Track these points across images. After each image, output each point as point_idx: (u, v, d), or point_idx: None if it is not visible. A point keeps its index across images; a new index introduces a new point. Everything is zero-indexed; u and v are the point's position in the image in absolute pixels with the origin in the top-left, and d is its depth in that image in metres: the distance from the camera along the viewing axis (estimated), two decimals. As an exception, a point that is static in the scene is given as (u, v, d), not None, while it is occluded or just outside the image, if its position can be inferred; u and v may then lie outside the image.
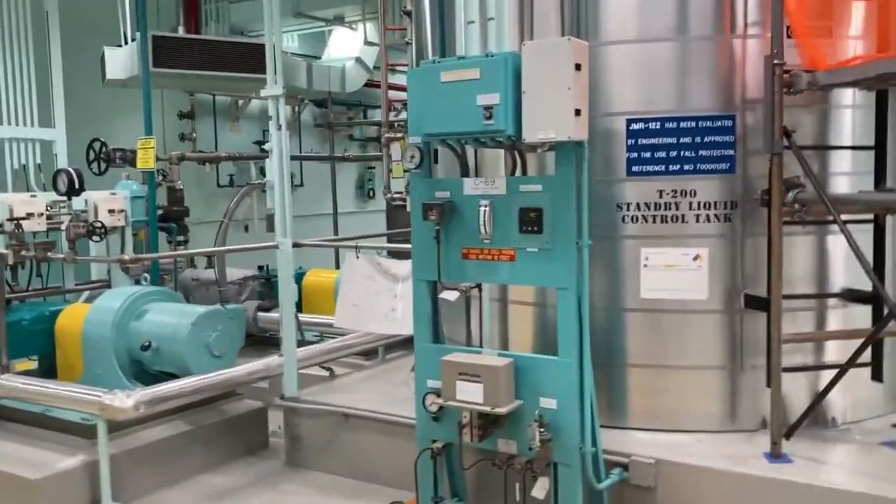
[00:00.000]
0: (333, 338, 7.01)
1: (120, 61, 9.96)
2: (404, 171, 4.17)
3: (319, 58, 14.00)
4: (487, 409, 3.88)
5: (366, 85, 13.70)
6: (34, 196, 6.85)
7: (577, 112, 3.61)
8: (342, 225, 12.41)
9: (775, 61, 3.92)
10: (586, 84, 3.70)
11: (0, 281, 5.42)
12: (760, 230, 4.36)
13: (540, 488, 3.95)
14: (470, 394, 3.93)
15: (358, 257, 5.30)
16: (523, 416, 3.95)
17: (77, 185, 4.84)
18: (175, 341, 5.29)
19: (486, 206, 4.00)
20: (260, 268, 8.65)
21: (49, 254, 5.15)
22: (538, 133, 3.67)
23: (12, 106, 7.59)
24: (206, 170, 10.57)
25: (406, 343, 6.82)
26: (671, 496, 4.12)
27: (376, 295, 5.25)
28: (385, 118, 10.81)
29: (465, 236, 4.11)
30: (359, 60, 13.11)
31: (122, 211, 7.29)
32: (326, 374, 6.11)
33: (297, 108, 13.76)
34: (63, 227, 4.93)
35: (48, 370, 6.06)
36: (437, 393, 4.18)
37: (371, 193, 15.85)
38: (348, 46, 13.55)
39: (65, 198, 4.83)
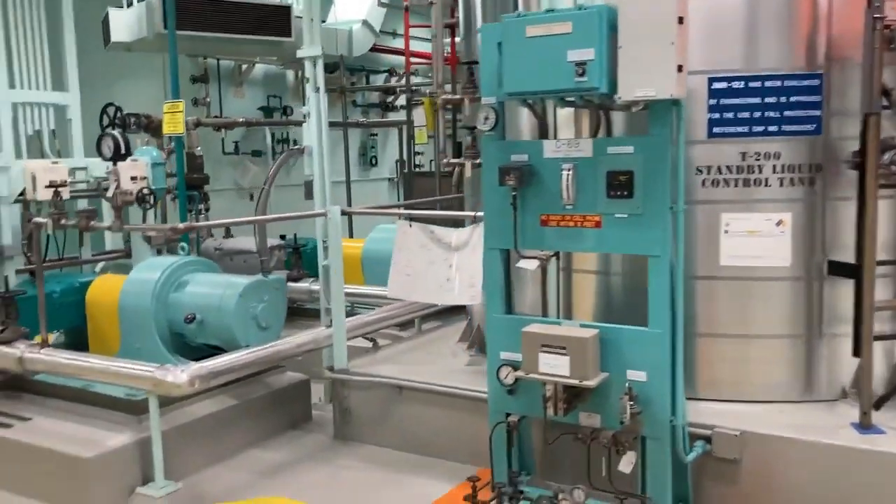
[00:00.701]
0: (365, 308, 6.83)
1: (125, 22, 9.59)
2: (482, 132, 3.95)
3: (324, 20, 13.62)
4: (575, 382, 3.72)
5: (370, 49, 13.37)
6: (56, 163, 6.57)
7: (679, 68, 3.41)
8: (343, 194, 12.18)
9: (875, 15, 3.73)
10: (687, 39, 3.49)
11: (37, 251, 5.17)
12: (841, 194, 4.21)
13: (627, 462, 3.81)
14: (555, 366, 3.77)
15: (411, 225, 5.09)
16: (608, 389, 3.80)
17: (123, 150, 4.58)
18: (222, 313, 5.07)
19: (569, 170, 3.81)
20: (282, 237, 8.40)
21: (92, 222, 4.88)
22: (636, 90, 3.47)
23: (24, 69, 7.23)
24: (222, 134, 10.25)
25: (442, 313, 6.67)
26: (756, 469, 3.99)
27: (430, 264, 5.06)
28: (407, 82, 10.58)
29: (545, 202, 3.92)
30: (366, 23, 12.75)
31: (145, 178, 6.99)
32: (370, 345, 5.93)
33: (299, 73, 13.40)
34: (109, 193, 4.67)
35: (76, 343, 5.83)
36: (513, 365, 4.03)
37: (374, 161, 15.55)
38: (354, 8, 13.17)
39: (108, 163, 4.53)
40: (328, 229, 5.24)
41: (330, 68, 13.71)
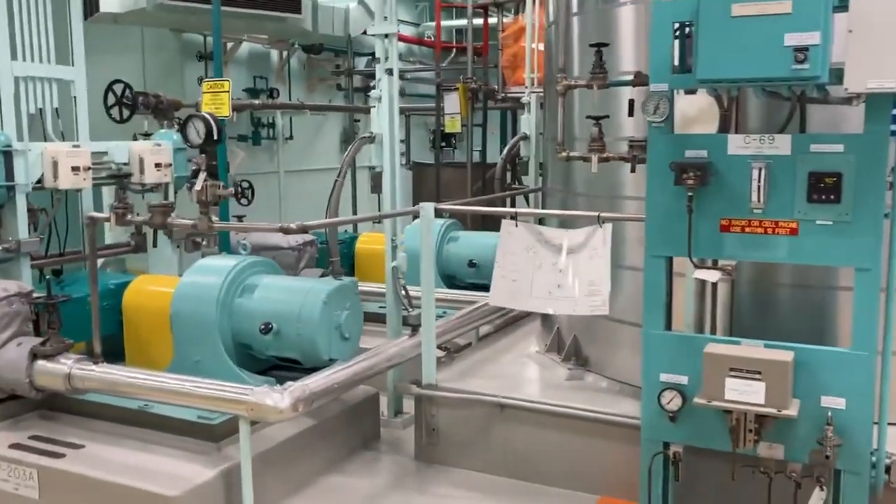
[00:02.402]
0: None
1: (115, -9, 8.75)
2: (650, 124, 3.46)
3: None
4: (771, 411, 3.28)
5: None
6: (77, 146, 5.80)
7: (923, 58, 2.98)
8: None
9: None
10: (928, 24, 3.05)
11: (93, 249, 4.45)
12: None
13: (818, 499, 3.39)
14: (745, 393, 3.31)
15: (516, 224, 4.56)
16: (797, 418, 3.37)
17: (216, 136, 3.90)
18: (303, 322, 4.45)
19: (760, 169, 3.35)
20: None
21: (169, 219, 4.17)
22: (868, 82, 3.02)
23: (26, 38, 6.38)
24: (233, 120, 9.42)
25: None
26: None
27: (537, 269, 4.54)
28: (437, 66, 9.95)
29: (726, 205, 3.45)
30: (362, 2, 12.05)
31: (170, 165, 6.30)
32: (442, 354, 5.39)
33: (285, 54, 12.63)
34: (196, 186, 3.97)
35: (107, 355, 5.10)
36: (678, 389, 3.57)
37: (356, 148, 14.85)
38: (347, -15, 12.45)
39: (192, 147, 3.83)
40: (420, 226, 4.66)
41: (316, 50, 13.10)
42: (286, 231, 3.84)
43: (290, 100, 12.70)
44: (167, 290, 4.88)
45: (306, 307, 4.47)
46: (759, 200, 3.37)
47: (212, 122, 3.94)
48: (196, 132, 3.97)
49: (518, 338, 5.94)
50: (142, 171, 6.02)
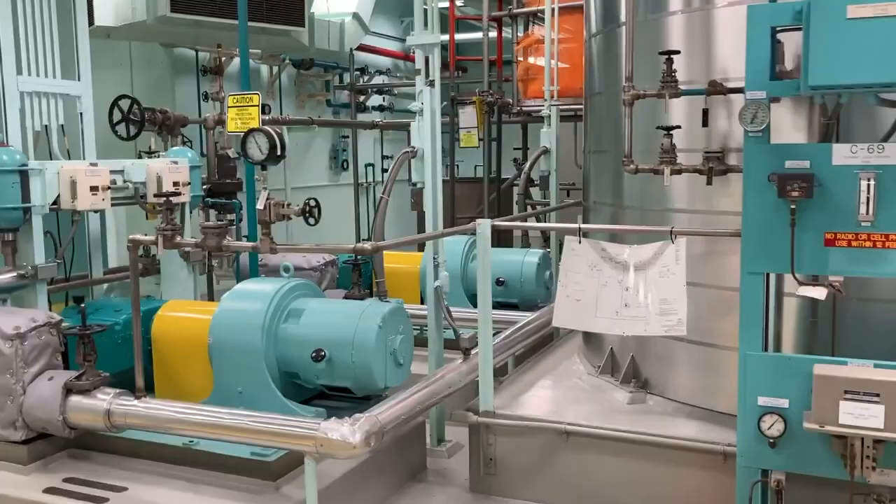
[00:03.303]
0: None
1: (111, 4, 8.43)
2: (747, 133, 3.28)
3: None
4: (893, 436, 3.09)
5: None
6: (95, 164, 5.47)
7: None
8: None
9: None
10: None
11: (134, 277, 4.13)
12: None
13: (935, 527, 3.21)
14: (862, 417, 3.12)
15: (580, 241, 4.34)
16: (910, 441, 3.19)
17: (279, 151, 3.61)
18: (358, 349, 4.17)
19: (870, 180, 3.18)
20: (317, 250, 7.45)
21: (225, 241, 3.86)
22: None
23: (31, 52, 6.04)
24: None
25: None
26: None
27: (602, 287, 4.32)
28: (452, 79, 9.73)
29: (831, 217, 3.27)
30: (356, 16, 11.83)
31: (188, 184, 5.99)
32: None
33: (275, 69, 12.35)
34: (259, 205, 3.68)
35: (132, 387, 4.77)
36: (779, 413, 3.37)
37: (345, 165, 14.59)
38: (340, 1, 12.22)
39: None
40: (478, 243, 4.42)
41: (307, 65, 12.84)
42: (360, 252, 3.58)
43: (280, 115, 12.43)
44: (203, 317, 4.57)
45: (360, 332, 4.20)
46: (867, 213, 3.20)
47: (275, 136, 3.68)
48: (258, 147, 3.69)
49: (559, 358, 5.71)
50: (160, 189, 5.70)
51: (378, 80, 14.99)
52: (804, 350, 4.09)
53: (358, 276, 6.60)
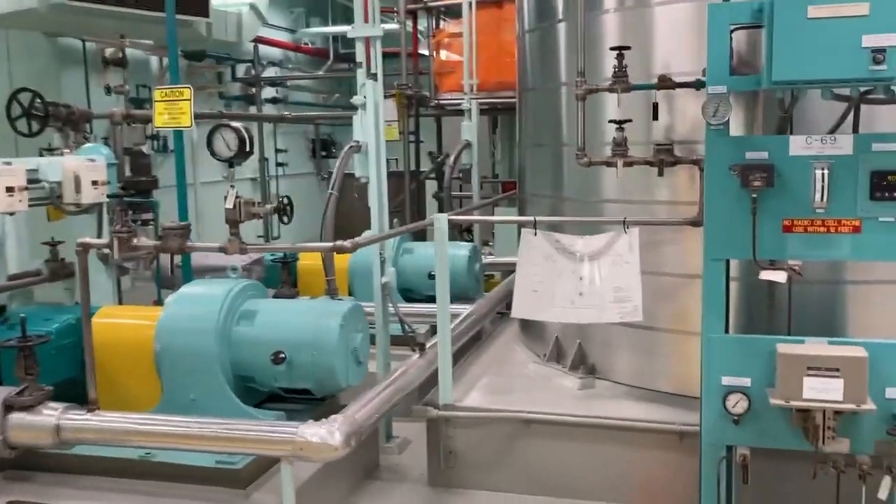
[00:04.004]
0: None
1: (-4, -11, 7.85)
2: (709, 126, 3.42)
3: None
4: (851, 406, 3.32)
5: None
6: (9, 164, 5.08)
7: None
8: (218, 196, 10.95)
9: None
10: None
11: (85, 280, 3.85)
12: None
13: (887, 485, 3.48)
14: (823, 391, 3.34)
15: (535, 233, 4.41)
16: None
17: (248, 147, 3.43)
18: (319, 349, 4.08)
19: (823, 169, 3.40)
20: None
21: (189, 243, 3.63)
22: (941, 82, 3.13)
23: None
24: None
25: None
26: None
27: (558, 278, 4.42)
28: (415, 70, 9.47)
29: (788, 205, 3.47)
30: (253, 7, 11.47)
31: (107, 183, 5.67)
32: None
33: (165, 60, 11.82)
34: (228, 203, 3.47)
35: (67, 398, 4.48)
36: (743, 392, 3.57)
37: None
38: (233, -11, 11.82)
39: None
40: (436, 238, 4.41)
41: (199, 56, 12.38)
42: (340, 250, 3.49)
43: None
44: (146, 323, 4.35)
45: (321, 331, 4.11)
46: (822, 200, 3.41)
47: (244, 132, 3.53)
48: (225, 144, 3.53)
49: (499, 348, 5.80)
50: (78, 191, 5.37)
51: (271, 71, 14.65)
52: (746, 331, 4.33)
53: (287, 274, 6.46)
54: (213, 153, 3.63)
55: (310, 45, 16.46)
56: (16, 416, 3.73)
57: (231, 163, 3.58)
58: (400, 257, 6.83)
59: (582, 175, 4.97)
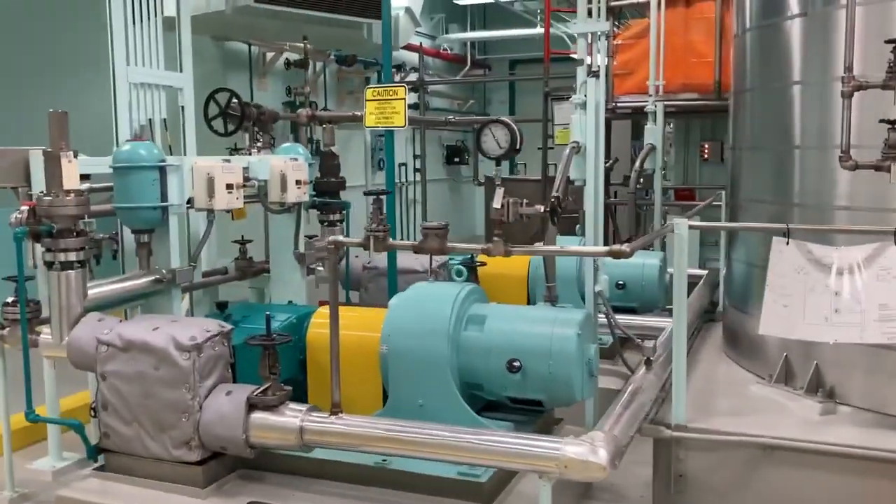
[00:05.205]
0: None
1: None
2: None
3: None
4: None
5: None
6: (228, 161, 5.13)
7: None
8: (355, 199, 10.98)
9: None
10: None
11: (334, 275, 3.79)
12: None
13: None
14: None
15: (787, 242, 4.07)
16: None
17: (518, 145, 3.31)
18: (556, 358, 3.86)
19: None
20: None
21: (449, 243, 3.46)
22: None
23: (138, 41, 5.65)
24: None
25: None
26: None
27: (810, 292, 4.06)
28: (546, 71, 9.40)
29: None
30: (408, 11, 11.50)
31: (308, 182, 5.68)
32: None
33: (319, 64, 11.99)
34: (496, 203, 3.32)
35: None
36: None
37: (381, 164, 14.24)
38: (394, -7, 11.89)
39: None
40: (676, 246, 4.12)
41: (349, 61, 12.51)
42: (618, 255, 3.28)
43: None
44: (369, 325, 4.24)
45: (558, 340, 3.89)
46: None
47: (515, 128, 3.37)
48: (496, 141, 3.38)
49: (707, 363, 5.44)
50: (284, 189, 5.37)
51: (413, 77, 14.69)
52: None
53: (475, 278, 6.30)
54: (481, 151, 3.46)
55: (448, 52, 16.48)
56: (259, 416, 3.67)
57: (498, 161, 3.39)
58: (583, 266, 6.57)
59: (817, 180, 4.63)
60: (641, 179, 7.25)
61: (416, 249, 3.59)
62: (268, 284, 6.32)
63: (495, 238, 3.47)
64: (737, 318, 5.52)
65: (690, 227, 4.19)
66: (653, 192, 7.29)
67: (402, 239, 14.26)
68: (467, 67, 16.85)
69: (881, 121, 3.90)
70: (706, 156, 8.56)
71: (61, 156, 3.96)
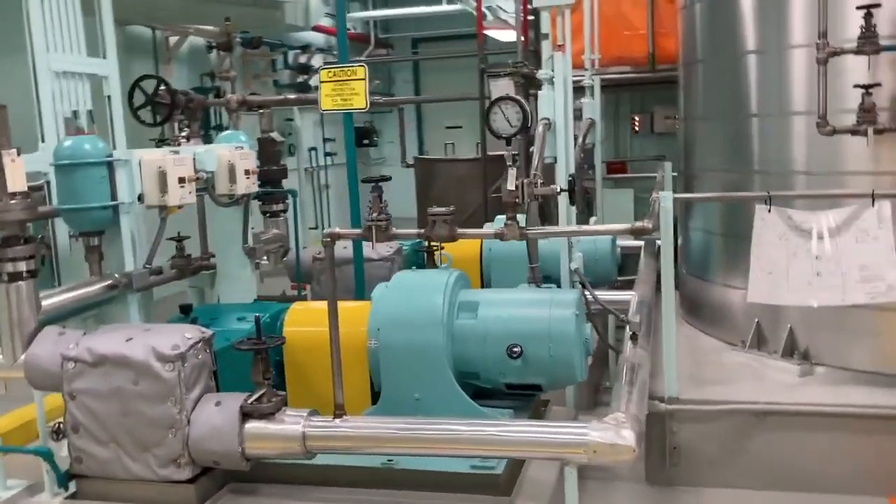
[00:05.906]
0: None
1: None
2: None
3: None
4: None
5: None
6: (176, 152, 4.74)
7: None
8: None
9: None
10: None
11: (331, 270, 3.54)
12: None
13: None
14: None
15: (769, 210, 4.11)
16: None
17: (529, 123, 3.10)
18: (556, 341, 3.76)
19: None
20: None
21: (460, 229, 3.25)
22: None
23: (56, 27, 5.13)
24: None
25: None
26: None
27: (792, 257, 4.12)
28: (480, 48, 9.13)
29: None
30: (320, -10, 11.12)
31: (257, 171, 5.35)
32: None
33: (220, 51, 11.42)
34: (509, 185, 3.11)
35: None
36: None
37: (291, 150, 13.77)
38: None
39: None
40: (661, 219, 4.08)
41: (255, 44, 12.00)
42: (640, 232, 3.18)
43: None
44: (351, 319, 4.03)
45: (557, 322, 3.79)
46: None
47: (526, 105, 3.20)
48: (507, 120, 3.20)
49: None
50: (233, 181, 5.03)
51: (318, 57, 14.26)
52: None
53: (432, 264, 6.13)
54: (491, 131, 3.29)
55: (351, 31, 16.08)
56: (255, 426, 3.40)
57: (508, 141, 3.23)
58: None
59: (779, 147, 4.73)
60: (582, 154, 7.22)
61: (424, 237, 3.40)
62: (209, 283, 5.95)
63: (508, 221, 3.33)
64: (697, 285, 5.60)
65: (675, 198, 4.18)
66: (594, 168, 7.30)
67: (318, 226, 13.93)
68: (371, 47, 16.50)
69: (855, 86, 3.98)
70: (637, 128, 8.66)
71: (3, 155, 3.53)
